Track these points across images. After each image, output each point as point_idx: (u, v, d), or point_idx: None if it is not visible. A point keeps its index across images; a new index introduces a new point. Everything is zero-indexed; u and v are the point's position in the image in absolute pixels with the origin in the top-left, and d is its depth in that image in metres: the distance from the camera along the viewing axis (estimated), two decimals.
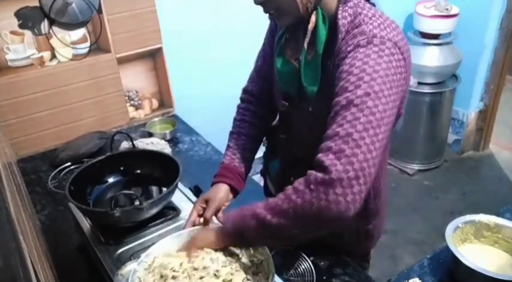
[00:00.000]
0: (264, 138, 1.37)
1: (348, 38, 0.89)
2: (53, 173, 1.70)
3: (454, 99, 3.01)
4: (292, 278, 1.14)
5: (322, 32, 0.92)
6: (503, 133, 3.44)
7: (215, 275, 0.91)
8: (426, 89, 2.89)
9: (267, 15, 0.99)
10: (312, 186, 0.81)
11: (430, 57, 2.80)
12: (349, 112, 0.82)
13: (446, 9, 2.68)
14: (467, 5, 2.76)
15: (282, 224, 0.84)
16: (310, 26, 0.93)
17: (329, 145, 0.82)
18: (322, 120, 0.93)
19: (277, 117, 1.24)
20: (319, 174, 0.80)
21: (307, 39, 0.94)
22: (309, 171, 0.83)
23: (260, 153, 1.44)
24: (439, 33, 2.77)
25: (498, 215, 1.21)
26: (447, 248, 1.10)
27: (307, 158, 1.09)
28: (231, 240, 0.94)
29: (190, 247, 0.96)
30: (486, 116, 3.17)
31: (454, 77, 2.99)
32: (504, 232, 1.15)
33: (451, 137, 3.28)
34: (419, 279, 1.13)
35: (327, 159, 0.81)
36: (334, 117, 0.85)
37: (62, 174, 1.68)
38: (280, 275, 1.12)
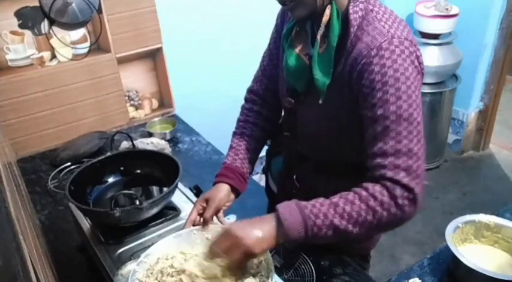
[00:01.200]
0: (268, 140, 1.38)
1: (366, 39, 0.91)
2: (53, 173, 1.70)
3: (454, 99, 3.01)
4: (292, 278, 1.14)
5: (336, 26, 0.93)
6: (503, 133, 3.44)
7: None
8: (426, 89, 2.89)
9: (275, 9, 1.01)
10: (399, 201, 0.88)
11: (430, 57, 2.80)
12: (402, 127, 0.89)
13: (446, 9, 2.68)
14: (467, 5, 2.76)
15: (361, 233, 0.90)
16: (325, 19, 0.93)
17: (396, 163, 0.89)
18: (332, 113, 1.00)
19: (282, 115, 1.25)
20: (404, 192, 0.89)
21: (320, 32, 0.94)
22: (390, 184, 0.89)
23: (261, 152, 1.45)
24: (439, 33, 2.77)
25: (498, 215, 1.21)
26: (447, 248, 1.10)
27: (311, 155, 1.11)
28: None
29: (234, 253, 0.87)
30: (486, 116, 3.17)
31: (454, 76, 2.99)
32: (504, 232, 1.15)
33: (451, 137, 3.28)
34: (419, 279, 1.13)
35: (401, 178, 0.89)
36: (386, 132, 0.89)
37: (62, 174, 1.68)
38: (280, 275, 1.12)
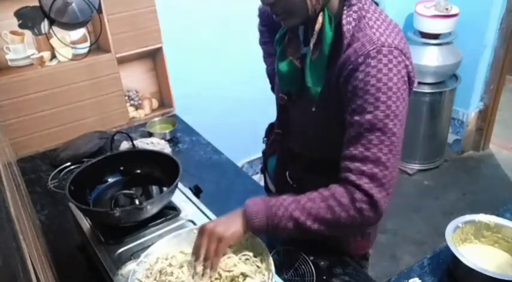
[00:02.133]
0: (264, 137, 1.40)
1: (356, 44, 0.91)
2: (53, 173, 1.70)
3: (454, 99, 3.01)
4: (292, 278, 1.14)
5: (329, 34, 0.93)
6: (503, 133, 3.44)
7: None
8: (426, 89, 2.89)
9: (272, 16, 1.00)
10: (357, 205, 0.91)
11: (430, 57, 2.80)
12: (374, 136, 0.90)
13: (446, 9, 2.68)
14: (467, 5, 2.76)
15: (321, 230, 0.93)
16: (317, 27, 0.94)
17: (361, 169, 0.91)
18: (326, 119, 1.02)
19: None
20: (363, 197, 0.91)
21: (313, 40, 0.95)
22: (350, 187, 0.92)
23: (259, 154, 1.46)
24: (439, 33, 2.77)
25: (498, 215, 1.21)
26: (447, 248, 1.10)
27: (303, 153, 1.14)
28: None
29: (210, 243, 0.92)
30: (486, 116, 3.17)
31: (454, 76, 2.99)
32: (504, 232, 1.15)
33: (451, 137, 3.28)
34: (419, 279, 1.13)
35: (363, 183, 0.91)
36: (358, 138, 0.92)
37: (62, 174, 1.68)
38: (280, 275, 1.12)
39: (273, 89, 1.35)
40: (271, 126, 1.36)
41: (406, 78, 0.92)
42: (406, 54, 0.92)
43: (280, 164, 1.26)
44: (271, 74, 1.36)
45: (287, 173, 1.22)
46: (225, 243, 0.92)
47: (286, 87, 1.09)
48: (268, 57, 1.38)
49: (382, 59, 0.89)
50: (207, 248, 0.92)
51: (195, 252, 0.94)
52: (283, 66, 1.05)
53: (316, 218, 0.93)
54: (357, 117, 0.91)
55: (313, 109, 1.02)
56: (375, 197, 0.91)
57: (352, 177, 0.92)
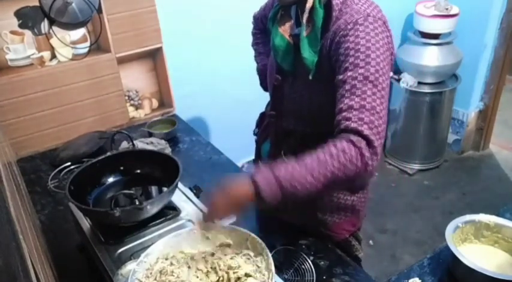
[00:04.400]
0: (255, 128, 1.48)
1: (345, 17, 1.03)
2: (53, 173, 1.70)
3: (454, 99, 3.01)
4: (292, 278, 1.15)
5: (320, 10, 1.05)
6: (503, 133, 3.44)
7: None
8: (426, 89, 2.89)
9: None
10: (366, 154, 0.93)
11: (430, 57, 2.80)
12: (367, 88, 0.97)
13: (446, 9, 2.68)
14: (467, 5, 2.76)
15: (330, 186, 0.94)
16: (308, 5, 1.04)
17: (360, 116, 0.96)
18: (314, 85, 1.11)
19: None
20: (364, 143, 0.93)
21: (305, 16, 1.05)
22: (350, 138, 0.93)
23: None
24: (439, 33, 2.77)
25: (498, 215, 1.21)
26: (447, 248, 1.10)
27: (297, 130, 1.20)
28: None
29: (225, 206, 0.93)
30: (486, 116, 3.17)
31: (454, 76, 2.99)
32: (504, 232, 1.15)
33: (451, 137, 3.28)
34: (419, 279, 1.13)
35: (364, 129, 0.94)
36: (353, 91, 0.98)
37: (62, 174, 1.68)
38: (280, 275, 1.12)
39: (261, 84, 1.47)
40: (262, 116, 1.44)
41: (388, 47, 1.02)
42: (387, 27, 1.04)
43: (275, 145, 1.32)
44: (262, 70, 1.45)
45: (282, 152, 1.26)
46: (239, 204, 0.93)
47: (281, 61, 1.17)
48: (259, 55, 1.48)
49: (369, 26, 1.00)
50: (221, 212, 0.94)
51: (208, 219, 0.96)
52: (277, 40, 1.15)
53: (326, 178, 0.92)
54: (350, 73, 0.99)
55: (310, 77, 1.09)
56: (375, 144, 0.94)
57: (353, 124, 0.95)
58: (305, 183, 0.91)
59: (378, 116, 0.96)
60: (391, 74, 3.30)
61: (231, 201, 0.93)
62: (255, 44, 1.51)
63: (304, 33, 1.07)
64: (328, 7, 1.05)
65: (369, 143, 0.94)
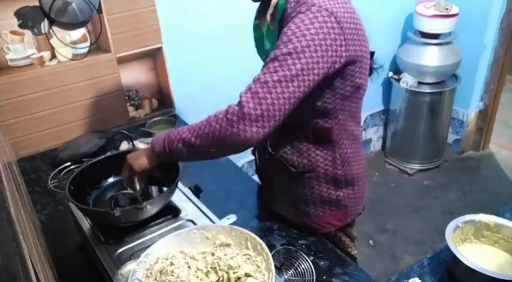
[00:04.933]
0: None
1: (297, 9, 1.05)
2: (53, 173, 1.70)
3: (454, 99, 3.01)
4: (292, 278, 1.15)
5: (282, 5, 1.09)
6: (503, 133, 3.44)
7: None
8: (426, 89, 2.89)
9: None
10: (228, 116, 1.00)
11: (430, 57, 2.80)
12: (272, 64, 1.00)
13: (446, 9, 2.68)
14: (467, 5, 2.77)
15: (203, 145, 1.05)
16: (273, 2, 1.10)
17: (250, 86, 1.01)
18: None
19: None
20: (236, 108, 1.00)
21: (270, 11, 1.11)
22: (230, 104, 1.02)
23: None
24: (439, 33, 2.77)
25: (498, 214, 1.21)
26: (447, 248, 1.10)
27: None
28: (161, 159, 1.13)
29: (126, 171, 1.17)
30: (486, 116, 3.17)
31: (454, 76, 2.99)
32: (504, 232, 1.15)
33: (451, 137, 3.28)
34: (419, 279, 1.13)
35: (244, 96, 1.00)
36: (263, 66, 1.03)
37: (62, 174, 1.68)
38: (280, 275, 1.12)
39: None
40: None
41: (330, 37, 1.00)
42: (338, 18, 1.01)
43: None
44: None
45: (268, 142, 1.29)
46: (135, 172, 1.16)
47: (258, 52, 1.25)
48: None
49: (309, 15, 1.01)
50: (125, 174, 1.18)
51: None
52: (255, 33, 1.24)
53: (197, 135, 1.04)
54: (271, 52, 1.03)
55: None
56: (246, 109, 0.98)
57: (241, 92, 1.02)
58: (181, 135, 1.07)
59: (266, 90, 0.99)
60: (391, 73, 3.29)
61: (139, 153, 1.16)
62: None
63: (270, 27, 1.13)
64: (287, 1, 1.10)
65: (242, 109, 0.99)
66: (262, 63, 1.42)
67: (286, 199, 1.33)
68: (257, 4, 1.24)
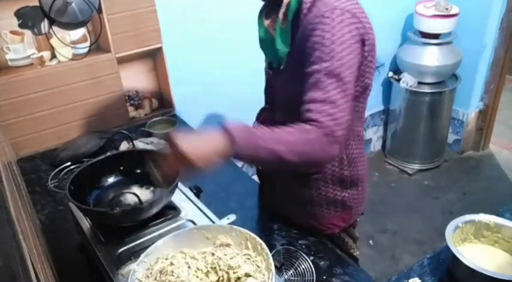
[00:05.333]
0: (254, 121, 1.47)
1: (314, 10, 1.05)
2: (53, 173, 1.70)
3: (454, 99, 3.01)
4: (292, 278, 1.15)
5: (294, 5, 1.09)
6: (503, 133, 3.44)
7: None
8: (426, 89, 2.89)
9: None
10: (326, 139, 1.00)
11: (430, 57, 2.80)
12: (330, 81, 1.01)
13: (446, 9, 2.68)
14: (467, 5, 2.76)
15: (293, 161, 1.01)
16: (286, 0, 1.10)
17: (322, 109, 1.01)
18: (293, 77, 1.13)
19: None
20: (328, 132, 1.00)
21: (282, 10, 1.11)
22: (315, 124, 1.01)
23: None
24: (439, 33, 2.77)
25: (498, 214, 1.21)
26: (447, 248, 1.10)
27: (286, 122, 1.26)
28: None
29: (176, 160, 0.97)
30: (486, 116, 3.17)
31: (454, 76, 2.99)
32: (504, 232, 1.15)
33: (451, 137, 3.28)
34: (419, 279, 1.13)
35: (326, 121, 1.00)
36: (317, 84, 1.02)
37: (62, 174, 1.68)
38: (280, 275, 1.12)
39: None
40: (261, 111, 1.46)
41: (359, 38, 1.04)
42: (358, 17, 1.04)
43: None
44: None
45: None
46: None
47: (265, 53, 1.24)
48: None
49: (335, 19, 1.02)
50: (173, 167, 1.02)
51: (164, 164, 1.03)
52: (261, 32, 1.21)
53: (292, 151, 1.00)
54: (315, 66, 1.02)
55: (281, 68, 1.16)
56: (336, 133, 1.00)
57: (315, 116, 1.01)
58: (273, 146, 0.99)
59: (339, 109, 1.01)
60: (391, 74, 3.29)
61: (206, 144, 0.98)
62: None
63: (281, 26, 1.12)
64: (301, 2, 1.09)
65: (331, 132, 1.00)
66: (262, 62, 1.43)
67: (291, 201, 1.32)
68: (260, 3, 1.23)
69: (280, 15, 1.11)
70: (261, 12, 1.25)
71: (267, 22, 1.20)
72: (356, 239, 1.41)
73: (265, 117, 1.36)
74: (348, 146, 1.22)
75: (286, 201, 1.34)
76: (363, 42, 1.06)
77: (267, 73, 1.31)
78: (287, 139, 1.01)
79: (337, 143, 1.01)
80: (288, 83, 1.17)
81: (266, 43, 1.21)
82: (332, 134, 1.00)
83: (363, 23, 1.05)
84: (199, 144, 0.97)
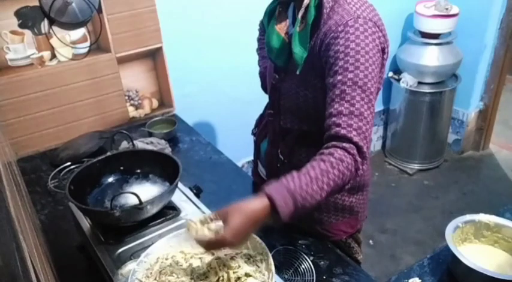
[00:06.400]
0: (254, 128, 1.49)
1: (335, 17, 1.03)
2: (53, 173, 1.69)
3: (454, 99, 3.01)
4: (292, 278, 1.15)
5: (313, 9, 1.06)
6: (503, 133, 3.44)
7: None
8: (426, 89, 2.89)
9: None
10: (357, 159, 0.98)
11: (430, 57, 2.80)
12: (356, 93, 0.99)
13: (446, 8, 2.68)
14: (467, 5, 2.77)
15: (331, 194, 0.98)
16: (305, 2, 1.07)
17: (349, 123, 0.99)
18: (308, 82, 1.12)
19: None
20: (356, 150, 0.97)
21: (301, 13, 1.07)
22: (346, 145, 0.98)
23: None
24: (439, 32, 2.77)
25: (498, 214, 1.21)
26: (447, 248, 1.11)
27: (293, 127, 1.23)
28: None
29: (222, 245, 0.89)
30: (486, 116, 3.17)
31: (454, 76, 2.99)
32: (504, 232, 1.15)
33: (451, 137, 3.28)
34: (419, 278, 1.13)
35: (353, 136, 0.98)
36: (342, 96, 1.00)
37: (62, 174, 1.68)
38: (280, 275, 1.12)
39: (262, 87, 1.46)
40: (261, 117, 1.46)
41: (379, 48, 1.03)
42: (379, 26, 1.04)
43: (272, 142, 1.33)
44: (263, 73, 1.46)
45: (279, 150, 1.27)
46: (255, 223, 0.91)
47: (275, 59, 1.19)
48: (262, 59, 1.48)
49: (359, 28, 1.00)
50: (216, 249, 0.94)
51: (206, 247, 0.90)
52: (274, 39, 1.16)
53: (333, 186, 0.96)
54: (339, 77, 1.00)
55: (298, 72, 1.11)
56: (363, 149, 0.98)
57: (343, 131, 0.99)
58: (313, 193, 0.93)
59: (365, 121, 1.00)
60: (391, 74, 3.30)
61: (251, 222, 0.89)
62: (259, 49, 1.52)
63: (297, 29, 1.09)
64: (320, 5, 1.07)
65: (359, 149, 0.98)
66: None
67: None
68: (260, 3, 1.22)
69: (300, 17, 1.08)
70: (268, 14, 1.20)
71: (278, 26, 1.17)
72: (360, 243, 1.41)
73: (268, 122, 1.34)
74: None
75: None
76: (383, 51, 1.06)
77: (273, 78, 1.25)
78: (326, 180, 0.94)
79: (365, 160, 0.99)
80: (300, 88, 1.15)
81: (278, 47, 1.16)
82: (361, 152, 0.98)
83: (382, 33, 1.05)
84: (244, 231, 0.89)
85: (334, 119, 1.00)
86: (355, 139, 0.98)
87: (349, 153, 0.97)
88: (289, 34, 1.15)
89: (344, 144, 0.98)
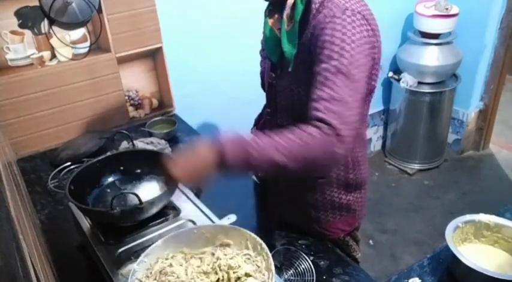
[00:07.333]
0: (252, 127, 1.49)
1: (325, 11, 1.04)
2: (53, 173, 1.69)
3: (454, 99, 3.01)
4: (292, 278, 1.15)
5: (300, 6, 1.07)
6: (503, 133, 3.44)
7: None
8: (426, 89, 2.89)
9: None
10: (328, 139, 0.96)
11: (430, 57, 2.80)
12: (339, 79, 0.99)
13: (446, 8, 2.68)
14: (467, 5, 2.76)
15: (294, 167, 0.98)
16: (289, 2, 1.08)
17: (330, 107, 0.98)
18: (300, 79, 1.12)
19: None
20: (333, 133, 0.96)
21: (286, 13, 1.09)
22: (321, 125, 0.97)
23: None
24: (439, 32, 2.77)
25: (498, 214, 1.21)
26: (447, 248, 1.10)
27: (290, 125, 1.23)
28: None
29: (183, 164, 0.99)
30: (486, 116, 3.17)
31: (454, 76, 2.99)
32: (504, 232, 1.15)
33: (451, 137, 3.28)
34: (419, 278, 1.13)
35: (332, 119, 0.97)
36: (325, 82, 1.00)
37: (62, 174, 1.68)
38: (280, 275, 1.12)
39: (262, 86, 1.46)
40: (259, 116, 1.46)
41: (368, 40, 1.03)
42: (368, 20, 1.04)
43: None
44: (263, 72, 1.45)
45: None
46: (200, 167, 0.99)
47: (269, 53, 1.21)
48: (264, 60, 1.47)
49: (346, 19, 1.01)
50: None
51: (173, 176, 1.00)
52: (267, 30, 1.19)
53: (293, 158, 0.97)
54: (324, 65, 1.00)
55: (290, 69, 1.12)
56: (342, 132, 0.97)
57: (322, 115, 0.98)
58: (271, 155, 0.96)
59: (348, 107, 0.98)
60: (391, 74, 3.30)
61: (196, 164, 0.98)
62: (262, 50, 1.51)
63: (286, 28, 1.09)
64: (308, 3, 1.07)
65: (337, 131, 0.96)
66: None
67: (295, 206, 1.32)
68: (261, 3, 1.23)
69: (285, 16, 1.09)
70: (266, 9, 1.23)
71: (271, 21, 1.18)
72: (358, 241, 1.41)
73: (265, 121, 1.35)
74: (352, 149, 1.19)
75: (290, 206, 1.33)
76: (373, 45, 1.05)
77: (269, 76, 1.26)
78: (286, 146, 0.97)
79: (342, 143, 0.97)
80: (294, 85, 1.16)
81: (271, 42, 1.19)
82: (337, 134, 0.96)
83: (371, 26, 1.04)
84: (189, 166, 1.00)
85: (315, 103, 1.00)
86: (333, 122, 0.96)
87: (323, 132, 0.96)
88: (280, 29, 1.16)
89: (319, 124, 0.97)
